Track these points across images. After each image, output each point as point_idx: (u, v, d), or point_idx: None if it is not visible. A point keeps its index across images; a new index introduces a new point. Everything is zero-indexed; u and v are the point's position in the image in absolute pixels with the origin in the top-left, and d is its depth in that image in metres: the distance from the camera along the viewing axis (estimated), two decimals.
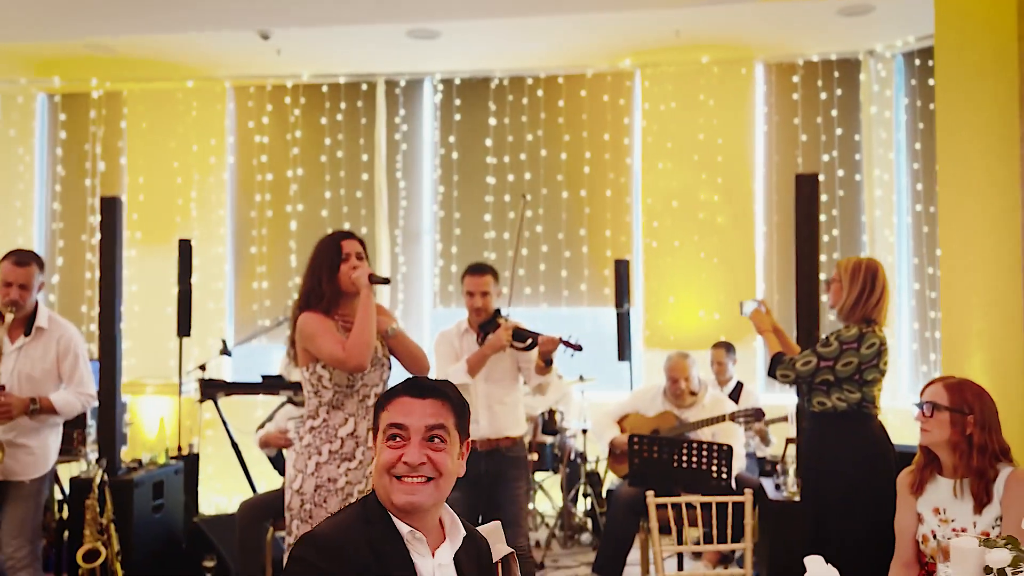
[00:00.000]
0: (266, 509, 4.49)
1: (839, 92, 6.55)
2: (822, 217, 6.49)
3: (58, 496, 5.00)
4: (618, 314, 6.32)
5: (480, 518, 3.88)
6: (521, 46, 6.58)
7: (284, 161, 7.23)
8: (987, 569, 1.42)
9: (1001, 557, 1.37)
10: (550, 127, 6.99)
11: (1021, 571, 1.35)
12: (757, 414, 4.38)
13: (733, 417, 4.39)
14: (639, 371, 6.51)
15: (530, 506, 5.64)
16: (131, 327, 7.44)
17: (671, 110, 6.82)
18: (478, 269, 3.92)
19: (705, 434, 4.62)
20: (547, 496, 6.02)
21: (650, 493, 3.29)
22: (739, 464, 4.63)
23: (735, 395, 5.64)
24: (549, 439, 5.74)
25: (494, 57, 6.82)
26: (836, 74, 6.56)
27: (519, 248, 4.90)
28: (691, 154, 6.79)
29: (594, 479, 5.83)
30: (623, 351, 6.33)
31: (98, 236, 7.37)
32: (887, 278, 3.33)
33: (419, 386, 1.75)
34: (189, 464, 5.67)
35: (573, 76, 6.96)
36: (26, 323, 3.53)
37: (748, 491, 3.27)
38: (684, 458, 4.04)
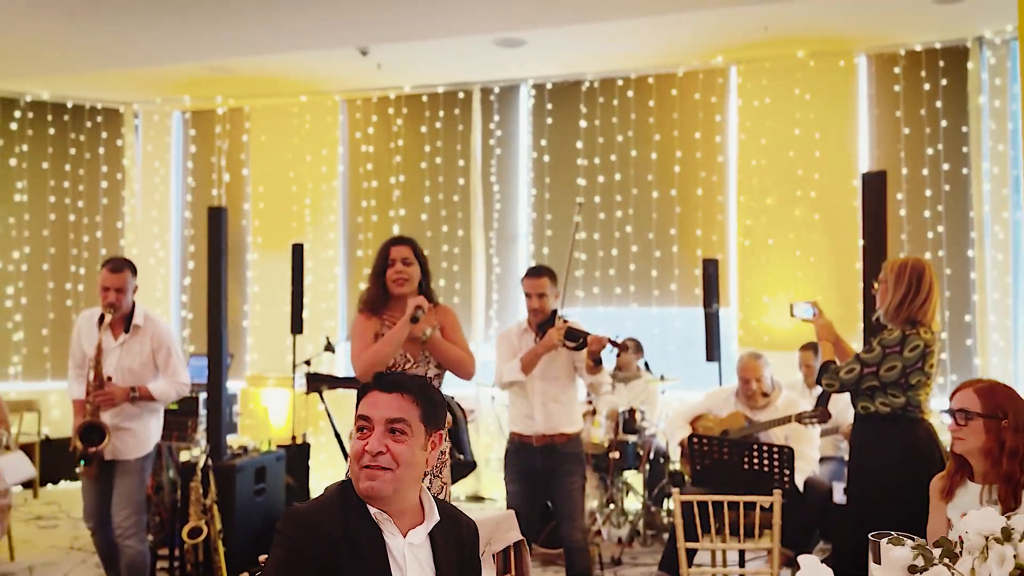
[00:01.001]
0: None
1: (944, 82, 6.23)
2: (925, 213, 6.23)
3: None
4: (706, 314, 6.28)
5: (537, 511, 4.05)
6: (611, 48, 6.65)
7: (387, 168, 7.61)
8: (912, 568, 1.44)
9: (902, 555, 1.38)
10: (640, 127, 7.01)
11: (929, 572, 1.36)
12: (823, 416, 4.28)
13: (799, 419, 4.31)
14: (730, 372, 6.44)
15: (603, 503, 5.71)
16: (254, 325, 8.07)
17: (765, 106, 6.70)
18: (535, 272, 4.05)
19: (778, 436, 4.57)
20: (632, 494, 6.07)
21: (675, 491, 3.33)
22: (811, 467, 4.54)
23: (825, 399, 5.49)
24: (631, 438, 5.79)
25: (584, 60, 6.91)
26: (941, 63, 6.24)
27: (572, 252, 4.99)
28: (786, 150, 6.64)
29: (678, 478, 5.83)
30: (712, 351, 6.29)
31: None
32: (935, 278, 3.22)
33: (387, 381, 1.90)
34: (299, 452, 6.11)
35: (664, 75, 6.96)
36: (125, 322, 3.98)
37: (777, 492, 3.25)
38: (745, 460, 4.03)
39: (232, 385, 7.87)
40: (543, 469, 3.90)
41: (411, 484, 1.89)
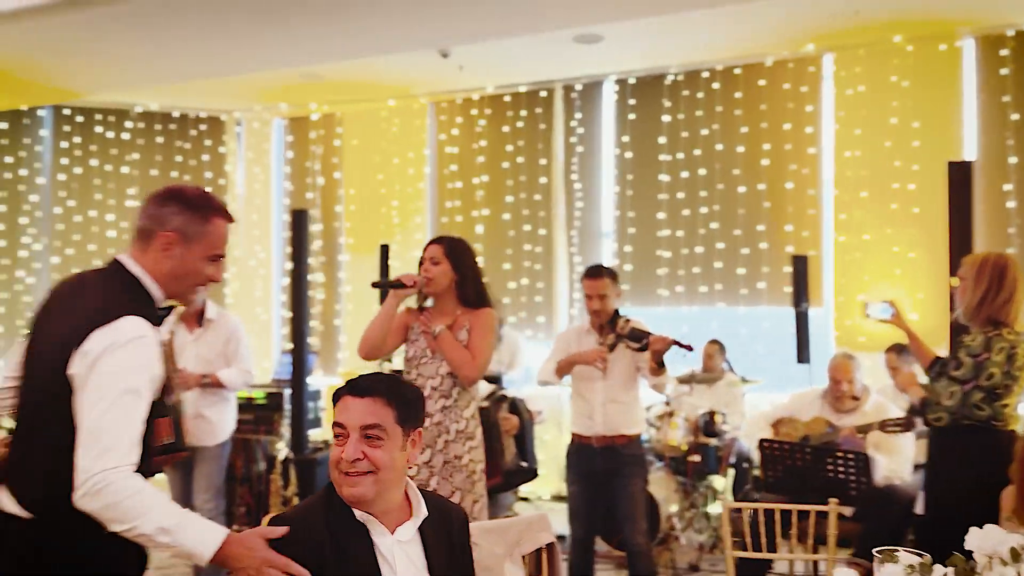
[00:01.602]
0: None
1: None
2: None
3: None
4: (797, 313, 6.03)
5: (599, 513, 3.98)
6: (694, 40, 6.47)
7: (471, 169, 7.68)
8: None
9: (893, 571, 1.27)
10: (726, 120, 6.80)
11: None
12: (907, 423, 4.02)
13: (882, 427, 4.07)
14: (823, 374, 6.16)
15: (683, 507, 5.57)
16: (346, 323, 8.30)
17: (859, 94, 6.37)
18: (594, 272, 3.98)
19: (868, 443, 4.33)
20: (717, 499, 5.89)
21: (722, 499, 3.19)
22: (897, 476, 4.28)
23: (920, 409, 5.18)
24: (712, 441, 5.62)
25: (667, 53, 6.76)
26: None
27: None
28: (882, 140, 6.29)
29: (761, 483, 5.62)
30: (802, 353, 6.03)
31: (318, 243, 8.34)
32: (1021, 276, 2.97)
33: (359, 386, 1.86)
34: None
35: (751, 66, 6.72)
36: (198, 316, 4.19)
37: (833, 501, 3.06)
38: (820, 466, 3.84)
39: (325, 381, 8.14)
40: (604, 471, 3.84)
41: (394, 485, 1.87)
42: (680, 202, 6.94)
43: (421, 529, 1.90)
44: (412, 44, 6.07)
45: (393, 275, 4.43)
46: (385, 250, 7.15)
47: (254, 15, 4.71)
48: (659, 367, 3.69)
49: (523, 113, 7.49)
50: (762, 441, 4.01)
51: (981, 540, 1.28)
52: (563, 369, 3.86)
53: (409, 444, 1.89)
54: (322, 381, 8.22)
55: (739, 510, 3.11)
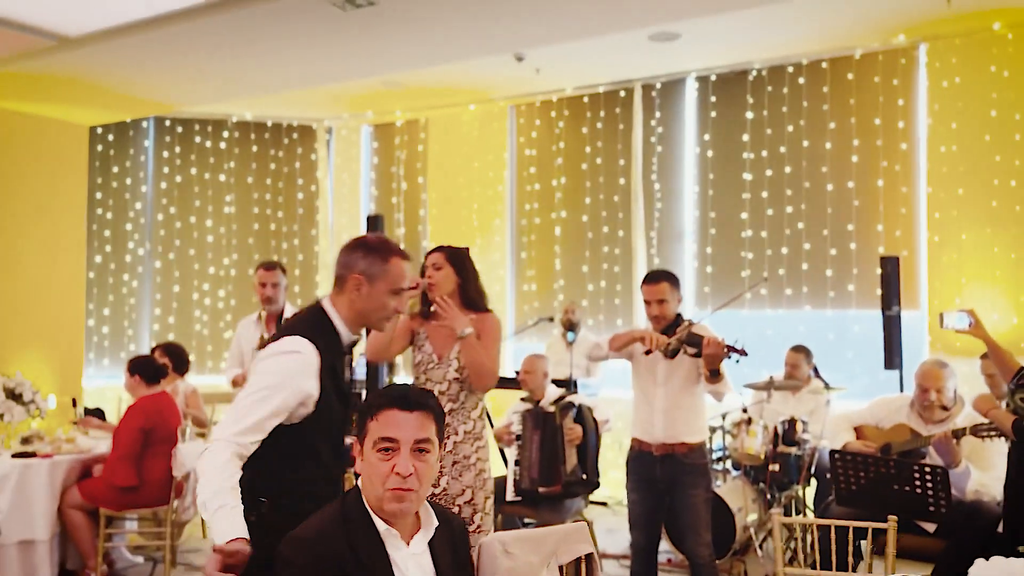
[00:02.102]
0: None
1: None
2: None
3: None
4: (885, 317, 5.76)
5: (659, 521, 3.89)
6: (778, 34, 6.27)
7: (550, 171, 7.66)
8: None
9: None
10: (813, 116, 6.55)
11: None
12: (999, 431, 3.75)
13: (975, 431, 3.80)
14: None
15: (762, 517, 5.38)
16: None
17: (955, 86, 6.02)
18: (653, 277, 3.87)
19: (962, 453, 4.08)
20: (802, 509, 5.69)
21: (774, 512, 3.04)
22: (989, 490, 4.02)
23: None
24: (792, 450, 5.42)
25: (750, 48, 6.57)
26: None
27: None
28: (981, 134, 5.93)
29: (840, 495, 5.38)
30: (892, 358, 5.76)
31: (401, 245, 8.49)
32: None
33: (408, 400, 1.85)
34: None
35: (838, 59, 6.45)
36: (277, 318, 4.35)
37: (892, 518, 2.88)
38: (894, 479, 3.65)
39: (407, 380, 8.27)
40: (663, 479, 3.75)
41: (425, 497, 1.91)
42: (764, 201, 6.73)
43: (430, 540, 1.91)
44: (487, 49, 6.09)
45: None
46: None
47: (335, 25, 4.83)
48: (712, 375, 3.57)
49: (602, 114, 7.43)
50: (832, 452, 3.84)
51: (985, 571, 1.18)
52: (618, 341, 3.78)
53: (439, 454, 1.91)
54: (402, 380, 8.38)
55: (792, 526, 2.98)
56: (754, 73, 6.76)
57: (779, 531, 2.86)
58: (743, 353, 3.50)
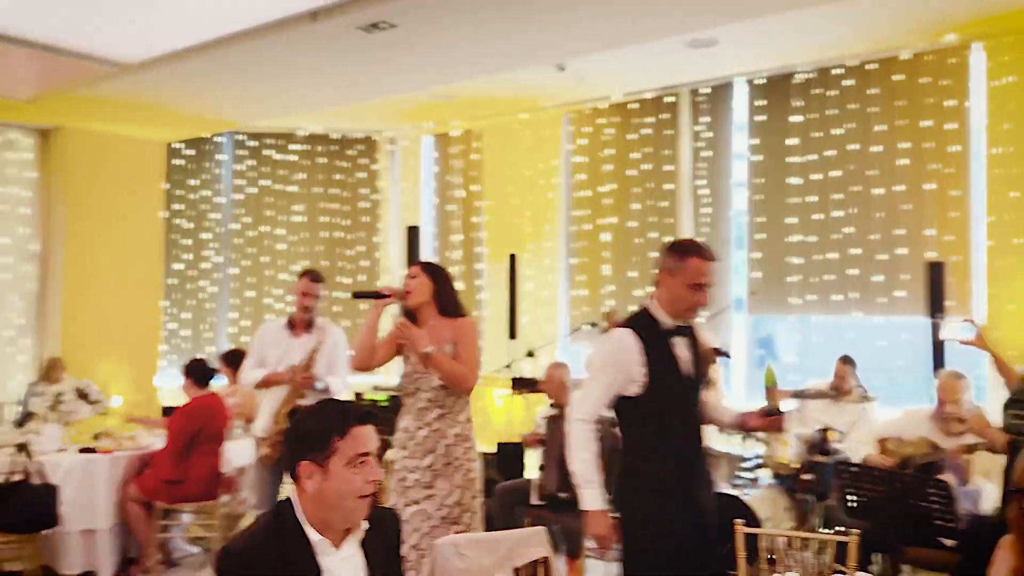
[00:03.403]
0: (515, 495, 5.03)
1: None
2: None
3: None
4: (932, 324, 5.60)
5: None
6: (824, 36, 6.15)
7: (598, 178, 7.73)
8: None
9: None
10: (861, 118, 6.40)
11: None
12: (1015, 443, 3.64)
13: (969, 449, 3.72)
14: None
15: (795, 527, 5.32)
16: (484, 330, 8.61)
17: (1010, 85, 5.78)
18: None
19: (977, 468, 3.99)
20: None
21: (738, 522, 3.03)
22: None
23: None
24: (828, 459, 5.34)
25: (796, 51, 6.47)
26: None
27: None
28: None
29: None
30: (939, 366, 5.59)
31: (458, 252, 8.73)
32: None
33: (368, 415, 1.99)
34: (513, 451, 6.41)
35: (887, 60, 6.29)
36: (307, 325, 4.61)
37: (928, 538, 2.86)
38: (902, 494, 3.61)
39: None
40: None
41: None
42: (812, 206, 6.62)
43: (361, 543, 2.02)
44: (528, 60, 6.22)
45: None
46: (513, 260, 7.38)
47: (364, 46, 5.06)
48: None
49: (649, 120, 7.45)
50: (837, 465, 3.81)
51: None
52: None
53: None
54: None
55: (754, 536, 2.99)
56: (800, 76, 6.65)
57: (741, 542, 2.89)
58: (726, 355, 3.54)
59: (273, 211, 9.23)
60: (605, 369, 2.80)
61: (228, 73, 5.76)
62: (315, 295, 4.67)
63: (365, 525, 2.03)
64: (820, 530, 5.36)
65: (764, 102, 6.86)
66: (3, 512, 4.34)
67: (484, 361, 8.19)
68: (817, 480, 5.30)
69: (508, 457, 6.15)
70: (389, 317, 3.93)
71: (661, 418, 2.78)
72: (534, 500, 4.87)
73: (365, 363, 3.50)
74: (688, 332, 2.86)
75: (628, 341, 2.76)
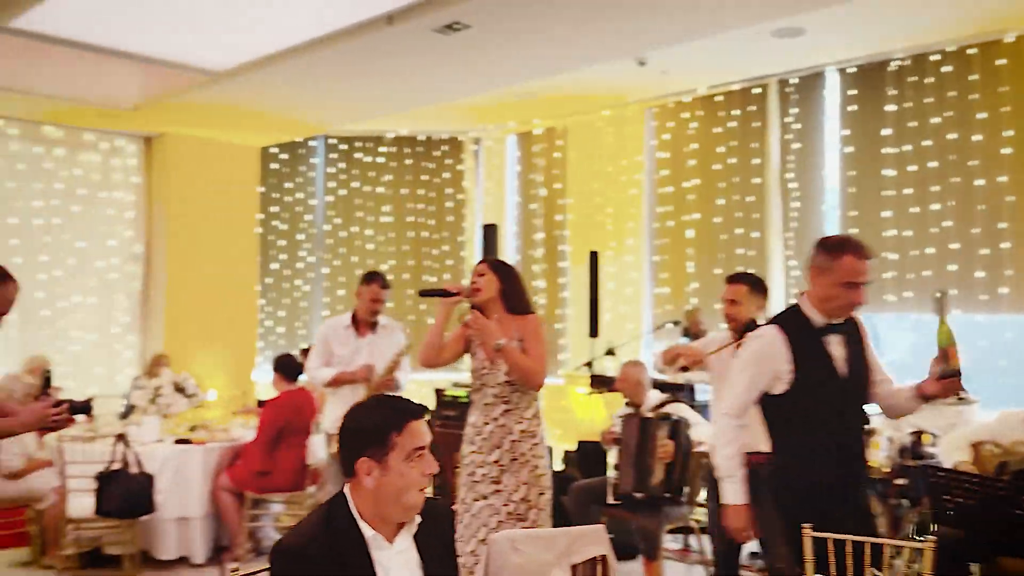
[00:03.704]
0: (592, 493, 5.00)
1: None
2: None
3: None
4: None
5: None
6: (918, 21, 5.88)
7: (682, 173, 7.59)
8: None
9: None
10: (961, 106, 6.07)
11: None
12: None
13: None
14: None
15: (889, 534, 5.08)
16: (566, 328, 8.61)
17: None
18: (732, 278, 3.86)
19: None
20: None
21: (805, 527, 2.89)
22: None
23: None
24: (919, 463, 5.09)
25: (890, 38, 6.19)
26: None
27: None
28: None
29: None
30: None
31: (540, 251, 8.74)
32: None
33: (419, 409, 2.00)
34: (594, 450, 6.38)
35: (988, 43, 5.94)
36: (372, 325, 4.71)
37: (931, 540, 2.68)
38: (997, 500, 3.41)
39: (548, 382, 8.49)
40: None
41: None
42: (908, 199, 6.32)
43: (415, 535, 2.02)
44: (606, 55, 6.16)
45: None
46: (594, 257, 7.34)
47: (442, 47, 5.12)
48: None
49: (735, 112, 7.27)
50: (927, 469, 3.63)
51: None
52: (665, 356, 3.86)
53: None
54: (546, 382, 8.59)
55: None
56: (895, 63, 6.36)
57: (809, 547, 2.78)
58: None
59: (363, 212, 9.46)
60: (750, 366, 2.81)
61: (310, 79, 5.94)
62: (384, 300, 4.79)
63: (418, 519, 2.03)
64: (914, 537, 5.13)
65: (856, 91, 6.59)
66: (103, 498, 4.61)
67: (566, 359, 8.28)
68: (910, 485, 5.08)
69: (589, 455, 6.12)
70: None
71: (809, 417, 2.74)
72: (610, 499, 4.83)
73: (432, 360, 3.54)
74: (846, 329, 2.78)
75: (775, 339, 2.73)
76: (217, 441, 5.47)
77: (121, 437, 4.79)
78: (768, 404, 2.81)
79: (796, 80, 6.92)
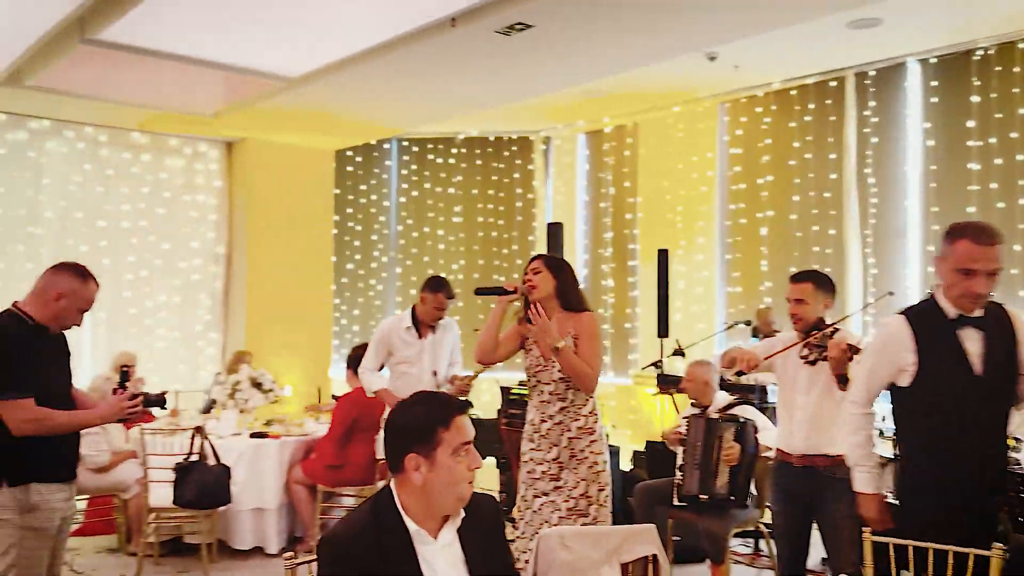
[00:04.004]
0: (657, 494, 4.95)
1: None
2: None
3: None
4: None
5: (803, 535, 3.74)
6: (1006, 6, 5.61)
7: (756, 169, 7.44)
8: None
9: None
10: None
11: None
12: None
13: None
14: None
15: None
16: (636, 328, 8.53)
17: None
18: (798, 276, 3.73)
19: None
20: None
21: (866, 531, 2.78)
22: None
23: None
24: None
25: (973, 26, 5.93)
26: None
27: None
28: None
29: None
30: None
31: (609, 250, 8.69)
32: None
33: (463, 404, 2.07)
34: (663, 450, 6.32)
35: None
36: (432, 326, 4.77)
37: (997, 547, 2.55)
38: None
39: (616, 381, 8.46)
40: (805, 493, 3.60)
41: None
42: (994, 193, 6.05)
43: (458, 530, 2.04)
44: (672, 51, 6.08)
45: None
46: (663, 256, 7.25)
47: (522, 42, 5.12)
48: (841, 381, 3.36)
49: (811, 106, 7.08)
50: (1013, 475, 3.47)
51: None
52: (722, 361, 3.79)
53: None
54: (612, 381, 8.56)
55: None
56: (980, 52, 6.09)
57: (869, 552, 2.69)
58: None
59: (434, 212, 9.59)
60: (871, 355, 2.81)
61: (379, 83, 6.05)
62: (447, 308, 4.84)
63: (462, 513, 2.05)
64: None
65: (938, 82, 6.34)
66: (182, 489, 4.80)
67: (636, 359, 8.20)
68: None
69: (657, 456, 6.06)
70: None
71: (934, 413, 2.65)
72: (676, 501, 4.77)
73: (487, 358, 3.57)
74: (987, 324, 2.63)
75: (899, 329, 2.69)
76: (291, 435, 5.63)
77: (199, 430, 4.97)
78: (895, 396, 2.77)
79: (874, 72, 6.70)
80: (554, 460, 3.47)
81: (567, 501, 3.44)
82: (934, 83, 6.36)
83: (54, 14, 4.92)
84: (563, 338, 3.39)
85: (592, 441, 3.46)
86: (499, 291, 3.54)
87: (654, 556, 2.57)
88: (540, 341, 3.43)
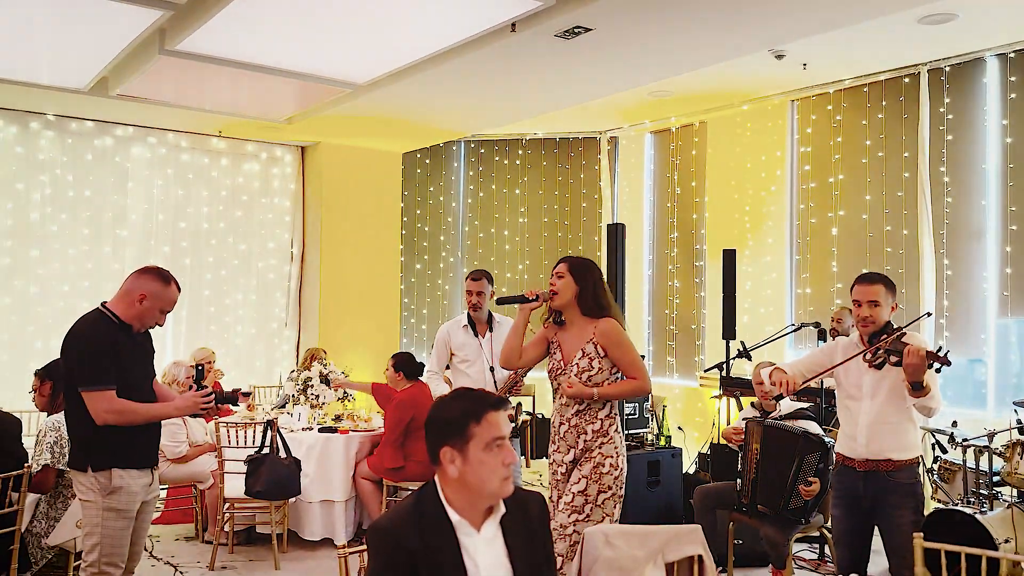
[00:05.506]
0: (716, 497, 4.92)
1: None
2: None
3: None
4: None
5: (864, 540, 3.68)
6: None
7: (826, 168, 7.29)
8: None
9: None
10: None
11: None
12: None
13: None
14: None
15: None
16: (702, 329, 8.46)
17: None
18: (869, 278, 3.65)
19: None
20: None
21: (917, 536, 2.72)
22: None
23: None
24: None
25: None
26: None
27: None
28: None
29: None
30: None
31: (675, 250, 8.63)
32: None
33: (499, 401, 2.09)
34: (725, 452, 6.30)
35: None
36: (487, 323, 4.84)
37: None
38: None
39: (682, 383, 8.40)
40: (867, 497, 3.54)
41: None
42: None
43: (501, 523, 2.11)
44: (736, 50, 6.00)
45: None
46: (730, 256, 7.17)
47: (583, 45, 5.16)
48: (915, 388, 3.29)
49: (883, 103, 6.91)
50: None
51: None
52: (754, 378, 3.78)
53: None
54: (678, 383, 8.50)
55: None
56: None
57: (920, 556, 2.64)
58: (945, 362, 3.18)
59: (500, 213, 9.69)
60: None
61: (443, 87, 6.17)
62: (479, 292, 4.89)
63: (503, 507, 2.11)
64: None
65: (1016, 77, 6.11)
66: (253, 480, 5.00)
67: (703, 361, 8.12)
68: None
69: (721, 458, 6.01)
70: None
71: None
72: (737, 507, 4.74)
73: (512, 363, 3.65)
74: None
75: None
76: (359, 431, 5.80)
77: (271, 424, 5.17)
78: None
79: (949, 67, 6.50)
80: (571, 462, 3.54)
81: (566, 496, 3.50)
82: (1012, 78, 6.13)
83: (136, 27, 5.18)
84: (583, 345, 3.46)
85: (604, 443, 3.50)
86: (521, 299, 3.60)
87: (699, 557, 2.59)
88: (579, 397, 3.51)
